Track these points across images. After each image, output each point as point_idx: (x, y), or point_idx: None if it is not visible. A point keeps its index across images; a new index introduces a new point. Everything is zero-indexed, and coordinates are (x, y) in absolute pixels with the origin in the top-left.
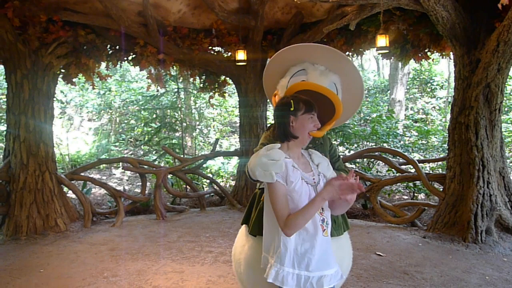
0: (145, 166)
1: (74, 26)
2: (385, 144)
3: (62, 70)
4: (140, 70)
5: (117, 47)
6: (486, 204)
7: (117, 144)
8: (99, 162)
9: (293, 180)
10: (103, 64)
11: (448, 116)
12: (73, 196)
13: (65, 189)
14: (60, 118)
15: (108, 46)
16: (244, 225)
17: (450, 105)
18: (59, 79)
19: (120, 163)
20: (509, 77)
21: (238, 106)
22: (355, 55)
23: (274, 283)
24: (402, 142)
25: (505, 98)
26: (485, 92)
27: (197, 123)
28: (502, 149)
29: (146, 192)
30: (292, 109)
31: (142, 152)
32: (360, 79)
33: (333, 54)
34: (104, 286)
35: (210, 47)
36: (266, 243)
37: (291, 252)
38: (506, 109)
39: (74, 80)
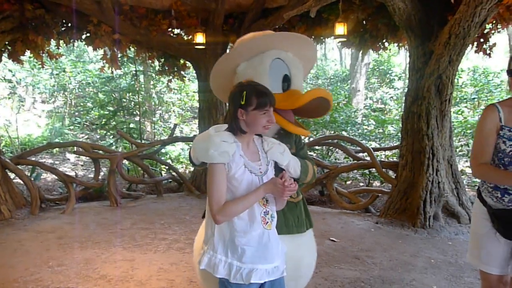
0: (100, 151)
1: None
2: (344, 132)
3: (8, 47)
4: (94, 50)
5: (69, 24)
6: (434, 191)
7: (71, 127)
8: (48, 146)
9: (233, 166)
10: (54, 42)
11: (403, 106)
12: (21, 181)
13: (13, 175)
14: (9, 98)
15: (59, 23)
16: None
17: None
18: (5, 56)
19: (74, 148)
20: (461, 69)
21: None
22: (315, 42)
23: (207, 269)
24: (360, 131)
25: (455, 90)
26: (437, 83)
27: (157, 107)
28: (450, 139)
29: (100, 177)
30: (242, 102)
31: (98, 136)
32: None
33: (305, 42)
34: (48, 276)
35: (169, 29)
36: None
37: (226, 240)
38: (457, 100)
39: (21, 58)
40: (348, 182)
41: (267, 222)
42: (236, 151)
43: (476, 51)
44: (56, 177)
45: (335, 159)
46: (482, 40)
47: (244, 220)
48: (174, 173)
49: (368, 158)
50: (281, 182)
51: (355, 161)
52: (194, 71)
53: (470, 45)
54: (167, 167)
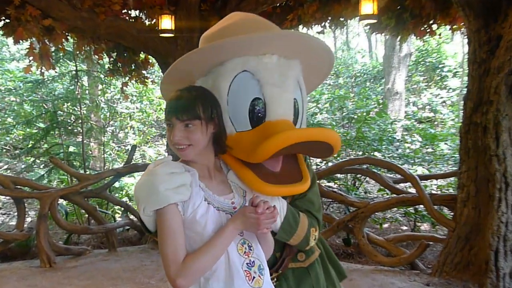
0: (25, 188)
1: None
2: (377, 153)
3: None
4: (16, 43)
5: None
6: (510, 236)
7: None
8: None
9: (191, 204)
10: None
11: (462, 115)
12: None
13: None
14: None
15: None
16: None
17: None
18: None
19: None
20: None
21: None
22: (333, 26)
23: None
24: (400, 151)
25: None
26: (509, 81)
27: (108, 122)
28: None
29: (26, 226)
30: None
31: (23, 166)
32: (327, 52)
33: (288, 38)
34: None
35: (123, 11)
36: None
37: None
38: None
39: None
40: (385, 226)
41: (254, 278)
42: (193, 182)
43: None
44: None
45: (366, 193)
46: None
47: (220, 277)
48: (132, 217)
49: (412, 190)
50: (251, 210)
51: (394, 195)
52: (160, 70)
53: None
54: (122, 209)
